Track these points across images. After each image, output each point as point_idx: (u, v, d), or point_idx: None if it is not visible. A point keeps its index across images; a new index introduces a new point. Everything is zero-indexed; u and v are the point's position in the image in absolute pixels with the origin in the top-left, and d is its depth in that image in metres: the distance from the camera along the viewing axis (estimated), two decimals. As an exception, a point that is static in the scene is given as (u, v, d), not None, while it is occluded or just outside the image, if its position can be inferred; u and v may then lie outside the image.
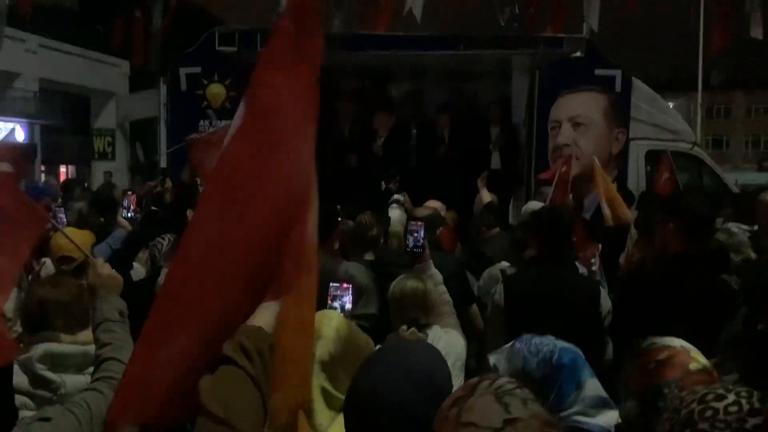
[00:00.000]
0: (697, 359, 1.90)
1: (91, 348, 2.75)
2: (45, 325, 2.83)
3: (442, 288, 3.57)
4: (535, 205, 5.73)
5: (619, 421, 1.92)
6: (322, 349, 2.11)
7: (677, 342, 1.96)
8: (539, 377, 2.02)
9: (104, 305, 2.52)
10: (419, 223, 3.70)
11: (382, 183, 7.39)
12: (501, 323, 3.76)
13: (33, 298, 2.97)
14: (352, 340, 2.27)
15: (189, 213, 4.85)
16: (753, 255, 4.29)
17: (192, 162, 5.79)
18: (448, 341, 3.16)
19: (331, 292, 2.87)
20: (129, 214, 5.37)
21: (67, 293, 2.90)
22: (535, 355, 2.11)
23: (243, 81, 7.09)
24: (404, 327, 3.08)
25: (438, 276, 3.62)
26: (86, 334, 2.84)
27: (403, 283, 3.29)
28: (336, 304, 2.87)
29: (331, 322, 2.35)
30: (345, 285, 2.91)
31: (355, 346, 2.26)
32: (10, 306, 3.62)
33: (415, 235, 3.64)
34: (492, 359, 2.23)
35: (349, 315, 2.85)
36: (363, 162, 8.37)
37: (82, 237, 4.31)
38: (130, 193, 5.77)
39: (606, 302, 3.71)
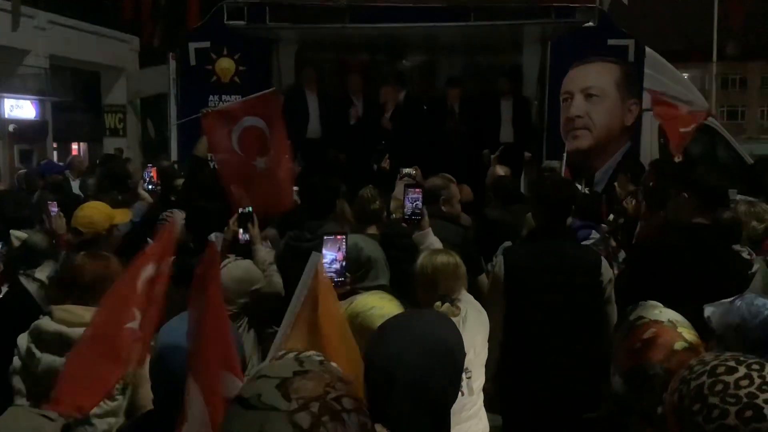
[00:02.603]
0: (684, 336, 1.89)
1: (71, 330, 2.73)
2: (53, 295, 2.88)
3: None
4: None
5: None
6: None
7: (665, 316, 1.95)
8: (753, 339, 2.02)
9: None
10: (417, 190, 3.63)
11: (374, 165, 7.32)
12: (501, 294, 3.78)
13: (69, 265, 3.01)
14: None
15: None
16: None
17: (203, 134, 5.79)
18: (480, 317, 3.19)
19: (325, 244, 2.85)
20: (149, 186, 5.39)
21: (78, 270, 2.90)
22: (754, 316, 2.10)
23: (252, 55, 7.00)
24: (438, 303, 3.06)
25: (438, 244, 3.59)
26: (74, 312, 2.81)
27: (433, 259, 3.26)
28: (328, 253, 2.84)
29: (393, 301, 2.39)
30: (339, 237, 2.91)
31: None
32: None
33: (415, 203, 3.55)
34: (707, 311, 2.22)
35: (342, 268, 2.86)
36: (371, 138, 8.32)
37: (104, 210, 4.33)
38: (150, 165, 5.77)
39: (607, 272, 3.73)
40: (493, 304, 3.86)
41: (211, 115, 5.77)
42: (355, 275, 3.27)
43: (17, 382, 2.80)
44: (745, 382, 1.38)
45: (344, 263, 2.89)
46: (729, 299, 2.21)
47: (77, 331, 2.67)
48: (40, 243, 4.06)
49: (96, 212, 4.28)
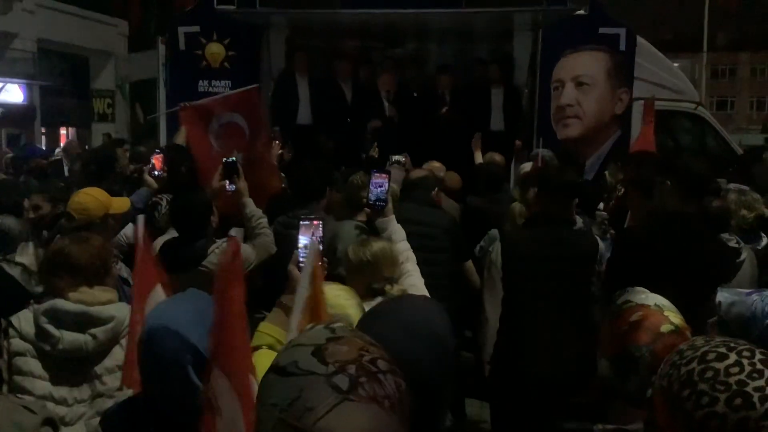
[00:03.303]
0: (670, 319, 1.90)
1: (93, 309, 2.88)
2: (55, 278, 2.90)
3: (406, 244, 3.44)
4: (528, 167, 5.74)
5: None
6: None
7: (652, 300, 1.96)
8: (756, 337, 2.02)
9: None
10: (384, 175, 3.50)
11: (362, 154, 7.29)
12: (498, 282, 3.78)
13: (50, 250, 3.05)
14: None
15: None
16: (766, 212, 4.27)
17: (182, 125, 5.77)
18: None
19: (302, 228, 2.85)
20: (155, 173, 5.34)
21: (83, 253, 2.94)
22: (765, 317, 2.10)
23: (242, 40, 6.93)
24: (389, 287, 3.03)
25: (401, 232, 3.48)
26: (91, 293, 2.92)
27: (371, 246, 3.20)
28: (304, 238, 2.87)
29: (350, 300, 2.35)
30: (315, 222, 2.91)
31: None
32: (31, 260, 3.69)
33: (380, 188, 3.44)
34: (719, 296, 2.23)
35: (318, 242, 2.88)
36: (363, 124, 8.30)
37: (101, 197, 4.29)
38: (157, 151, 5.74)
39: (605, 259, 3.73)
40: (490, 291, 3.87)
41: (190, 109, 5.74)
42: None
43: (25, 363, 2.84)
44: (735, 369, 1.37)
45: (319, 248, 2.90)
46: (745, 290, 2.21)
47: (97, 309, 2.86)
48: (14, 227, 4.02)
49: (91, 199, 4.20)
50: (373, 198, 3.47)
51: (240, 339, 1.76)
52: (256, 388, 1.74)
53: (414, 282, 3.25)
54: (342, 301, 2.36)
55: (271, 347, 2.56)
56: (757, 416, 1.33)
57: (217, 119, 5.66)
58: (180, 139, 5.87)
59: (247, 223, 4.19)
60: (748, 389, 1.35)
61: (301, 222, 2.91)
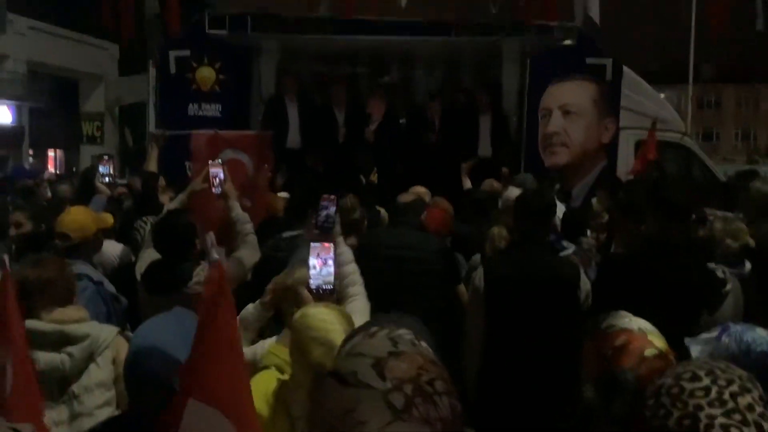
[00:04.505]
0: (654, 343, 1.91)
1: (68, 327, 2.90)
2: (26, 303, 2.87)
3: (352, 267, 3.35)
4: (514, 192, 5.76)
5: None
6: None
7: (635, 324, 1.97)
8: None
9: None
10: (332, 197, 3.47)
11: (362, 177, 7.32)
12: (481, 307, 3.78)
13: (15, 277, 3.02)
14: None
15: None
16: (751, 242, 4.29)
17: (192, 150, 5.89)
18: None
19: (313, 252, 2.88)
20: (107, 179, 5.28)
21: (48, 273, 2.95)
22: (746, 354, 2.02)
23: (233, 64, 7.01)
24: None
25: (348, 254, 3.42)
26: (64, 312, 2.95)
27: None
28: (314, 260, 2.86)
29: (335, 325, 2.32)
30: (326, 244, 2.92)
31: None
32: None
33: (327, 211, 3.41)
34: (693, 350, 2.15)
35: (330, 276, 2.87)
36: (354, 148, 8.35)
37: (91, 214, 4.28)
38: (106, 158, 5.71)
39: (585, 285, 3.74)
40: (473, 316, 3.86)
41: (202, 136, 5.88)
42: None
43: None
44: (700, 393, 1.39)
45: (332, 270, 2.90)
46: (712, 334, 2.18)
47: (72, 328, 2.90)
48: None
49: (84, 216, 4.20)
50: (321, 221, 3.41)
51: (232, 368, 1.68)
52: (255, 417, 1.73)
53: (358, 307, 3.13)
54: (327, 325, 2.33)
55: (278, 368, 2.53)
56: None
57: (227, 153, 5.80)
58: (151, 165, 5.92)
59: (232, 226, 4.20)
60: (701, 415, 1.37)
61: (312, 244, 2.92)
